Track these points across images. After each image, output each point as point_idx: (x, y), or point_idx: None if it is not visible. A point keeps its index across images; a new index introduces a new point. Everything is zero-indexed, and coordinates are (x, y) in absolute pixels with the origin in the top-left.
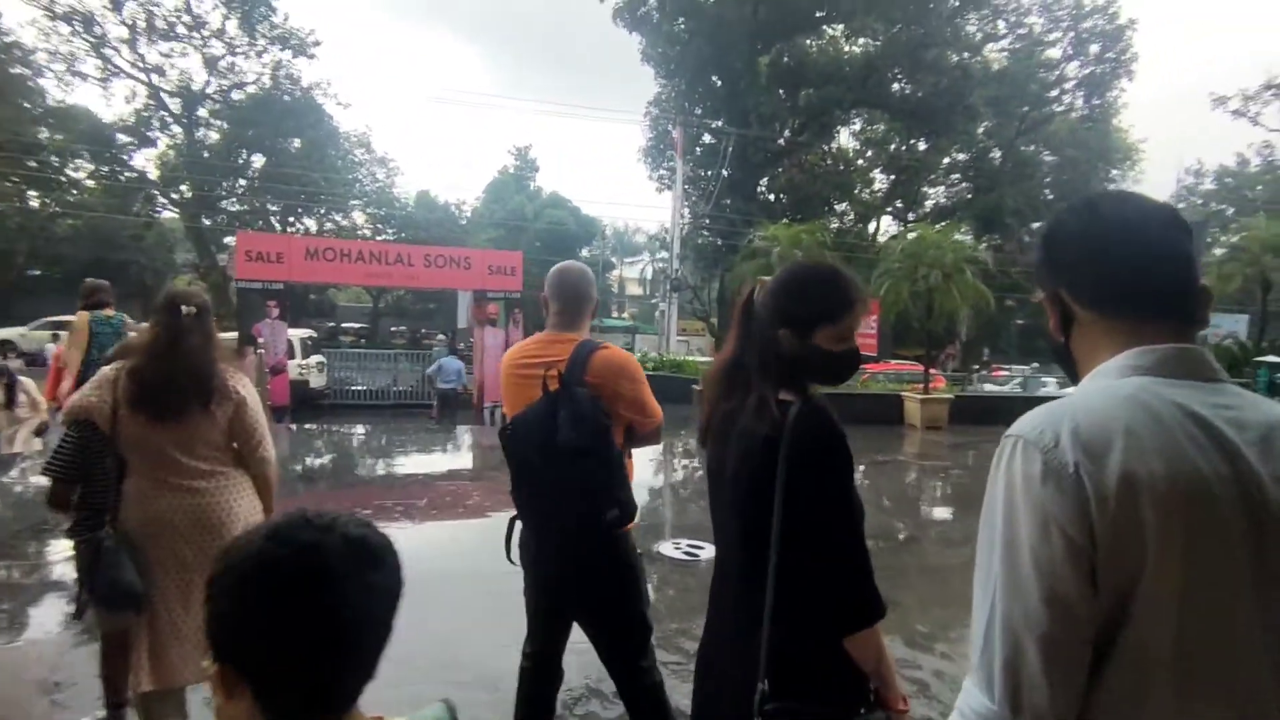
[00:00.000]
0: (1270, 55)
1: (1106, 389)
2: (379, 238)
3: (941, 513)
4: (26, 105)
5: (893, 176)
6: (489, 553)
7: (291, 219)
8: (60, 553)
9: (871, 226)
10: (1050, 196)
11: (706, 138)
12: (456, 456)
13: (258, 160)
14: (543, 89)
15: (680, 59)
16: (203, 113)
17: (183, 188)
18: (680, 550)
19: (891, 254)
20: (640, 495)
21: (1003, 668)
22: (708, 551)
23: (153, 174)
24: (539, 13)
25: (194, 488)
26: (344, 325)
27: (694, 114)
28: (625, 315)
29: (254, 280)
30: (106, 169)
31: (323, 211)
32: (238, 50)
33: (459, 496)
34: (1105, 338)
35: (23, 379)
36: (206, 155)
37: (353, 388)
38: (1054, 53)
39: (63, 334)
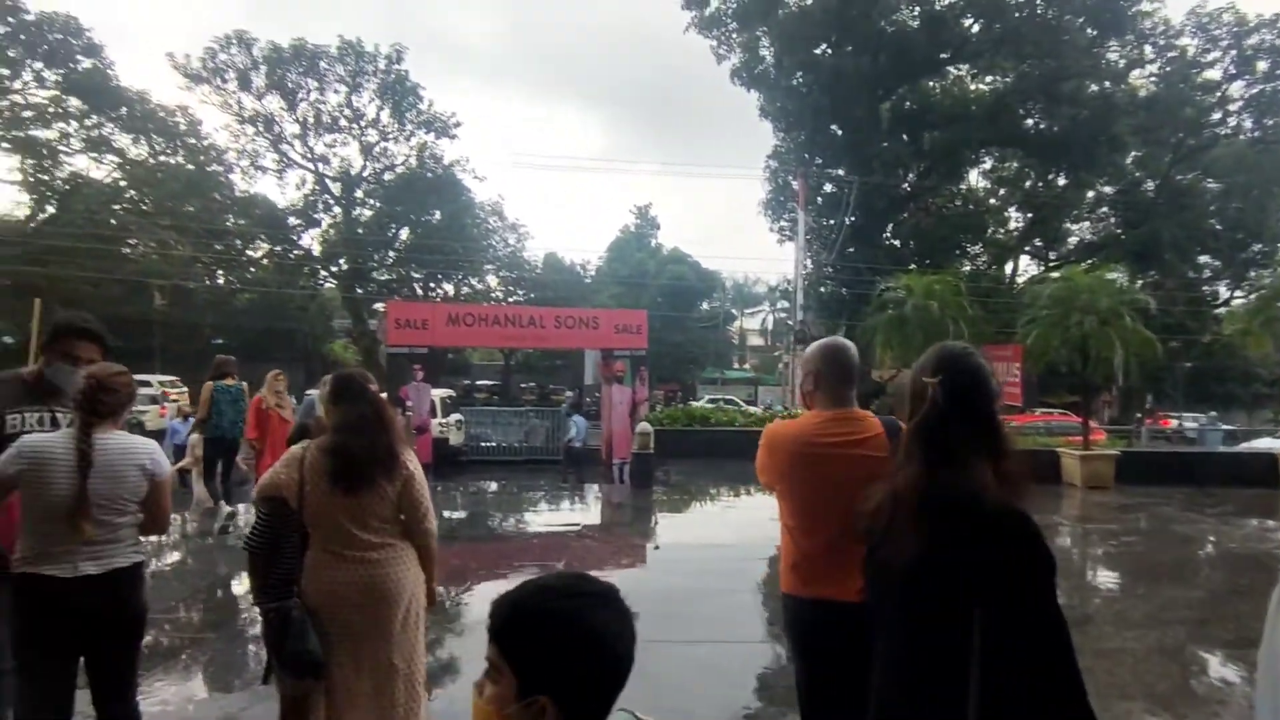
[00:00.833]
0: None
1: None
2: (510, 299)
3: (1116, 587)
4: (217, 197)
5: (1029, 215)
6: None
7: (432, 285)
8: (244, 611)
9: (1009, 267)
10: (1219, 227)
11: (828, 187)
12: (608, 512)
13: (404, 233)
14: (665, 147)
15: (799, 112)
16: (359, 194)
17: (340, 261)
18: None
19: (1038, 299)
20: None
21: None
22: None
23: (316, 250)
24: (657, 78)
25: (366, 559)
26: (478, 383)
27: (815, 164)
28: (747, 366)
29: (402, 345)
30: (279, 248)
31: (460, 276)
32: (389, 136)
33: (609, 554)
34: None
35: None
36: (360, 231)
37: (485, 444)
38: (1213, 74)
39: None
